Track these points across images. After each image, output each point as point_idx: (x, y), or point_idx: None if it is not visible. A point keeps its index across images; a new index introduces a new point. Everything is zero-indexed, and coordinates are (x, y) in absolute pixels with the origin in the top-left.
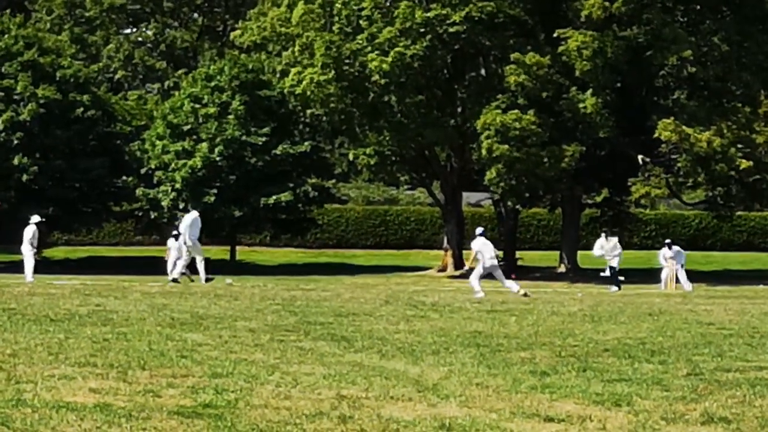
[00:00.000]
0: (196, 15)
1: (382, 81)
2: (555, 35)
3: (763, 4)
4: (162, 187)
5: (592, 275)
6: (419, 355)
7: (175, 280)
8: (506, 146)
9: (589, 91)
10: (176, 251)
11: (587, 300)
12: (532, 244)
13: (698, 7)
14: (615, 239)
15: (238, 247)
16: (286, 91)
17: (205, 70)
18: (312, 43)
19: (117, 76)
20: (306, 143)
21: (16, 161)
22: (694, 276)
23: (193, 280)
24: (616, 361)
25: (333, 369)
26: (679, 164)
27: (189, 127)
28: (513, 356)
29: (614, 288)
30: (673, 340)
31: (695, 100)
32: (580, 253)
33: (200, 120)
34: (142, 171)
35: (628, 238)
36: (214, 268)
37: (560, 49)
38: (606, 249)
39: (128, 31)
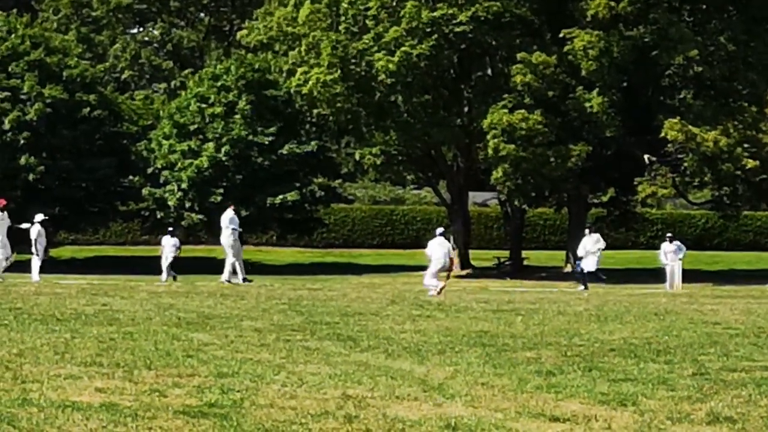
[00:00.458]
0: (202, 15)
1: (389, 81)
2: (561, 35)
3: None
4: (168, 187)
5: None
6: (425, 354)
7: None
8: (512, 146)
9: (596, 91)
10: (170, 248)
11: (593, 300)
12: (539, 243)
13: (704, 6)
14: (597, 235)
15: (244, 247)
16: (292, 90)
17: (212, 69)
18: (318, 43)
19: (124, 76)
20: (312, 143)
21: (22, 161)
22: (700, 276)
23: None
24: (622, 360)
25: (339, 368)
26: (685, 164)
27: (195, 126)
28: (519, 356)
29: (582, 287)
30: (678, 339)
31: (701, 100)
32: None
33: (207, 120)
34: (149, 171)
35: (635, 238)
36: (220, 267)
37: (566, 48)
38: (587, 244)
39: (135, 30)
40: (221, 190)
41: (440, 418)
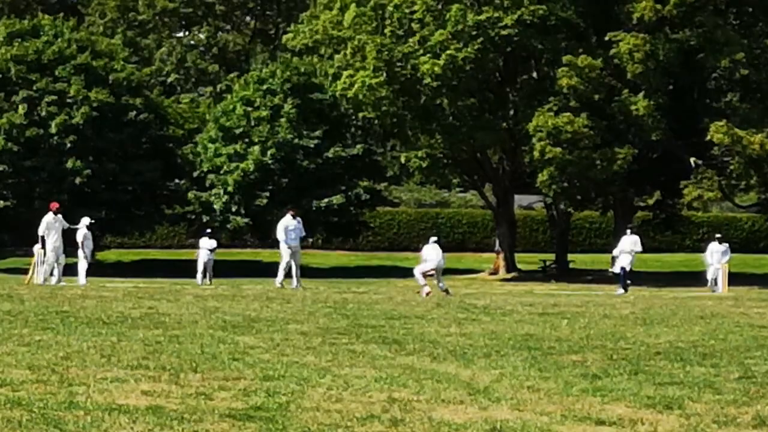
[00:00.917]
0: (248, 18)
1: (434, 84)
2: (607, 38)
3: None
4: (214, 191)
5: (645, 278)
6: (470, 358)
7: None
8: (558, 149)
9: (641, 94)
10: (207, 251)
11: (639, 303)
12: (584, 246)
13: (750, 9)
14: (636, 237)
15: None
16: (337, 94)
17: (257, 73)
18: (364, 46)
19: (169, 80)
20: (358, 146)
21: (69, 164)
22: (746, 278)
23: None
24: (668, 364)
25: (384, 372)
26: (731, 167)
27: (241, 130)
28: (564, 359)
29: (620, 290)
30: (725, 343)
31: (748, 103)
32: None
33: (252, 123)
34: (195, 174)
35: (680, 241)
36: (266, 270)
37: (612, 51)
38: (624, 245)
39: (181, 34)
40: (267, 194)
41: (485, 421)
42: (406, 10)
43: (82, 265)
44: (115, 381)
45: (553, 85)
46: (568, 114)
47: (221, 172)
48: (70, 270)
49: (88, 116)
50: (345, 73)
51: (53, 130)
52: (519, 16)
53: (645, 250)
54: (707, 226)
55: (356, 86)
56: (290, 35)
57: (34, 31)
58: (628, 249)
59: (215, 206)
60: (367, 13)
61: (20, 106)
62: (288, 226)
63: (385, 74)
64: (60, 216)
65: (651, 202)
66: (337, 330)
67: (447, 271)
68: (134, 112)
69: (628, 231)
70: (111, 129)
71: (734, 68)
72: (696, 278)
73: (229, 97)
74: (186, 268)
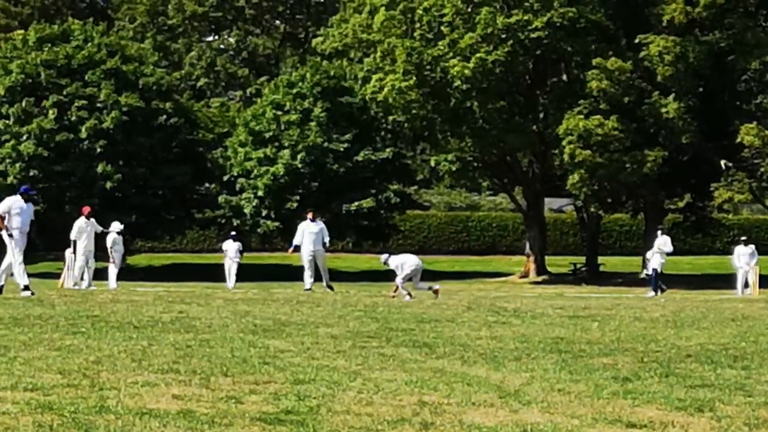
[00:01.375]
0: (278, 22)
1: (464, 87)
2: (636, 40)
3: None
4: (244, 195)
5: (675, 280)
6: (501, 361)
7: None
8: (588, 152)
9: (672, 96)
10: (234, 253)
11: (670, 305)
12: (615, 249)
13: None
14: (667, 237)
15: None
16: (367, 97)
17: (287, 77)
18: (393, 50)
19: (199, 84)
20: (388, 150)
21: (99, 169)
22: None
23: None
24: (699, 366)
25: (415, 375)
26: (762, 169)
27: (271, 134)
28: (595, 362)
29: (651, 293)
30: (756, 345)
31: None
32: None
33: (282, 127)
34: (225, 178)
35: (711, 243)
36: (296, 274)
37: (642, 54)
38: (657, 245)
39: (210, 38)
40: (297, 198)
41: (516, 424)
42: (436, 13)
43: (113, 270)
44: (146, 385)
45: (583, 87)
46: (598, 117)
47: (251, 176)
48: (100, 274)
49: (118, 121)
50: (375, 77)
51: (83, 134)
52: (549, 18)
53: (676, 253)
54: (738, 229)
55: (386, 89)
56: (320, 39)
57: (64, 36)
58: (658, 249)
59: (245, 210)
60: (397, 17)
61: (50, 111)
62: (306, 229)
63: (414, 77)
64: (92, 220)
65: (681, 204)
66: (367, 333)
67: (478, 275)
68: (164, 117)
69: (659, 232)
70: (141, 133)
71: (764, 70)
72: (727, 281)
73: (259, 101)
74: (216, 272)
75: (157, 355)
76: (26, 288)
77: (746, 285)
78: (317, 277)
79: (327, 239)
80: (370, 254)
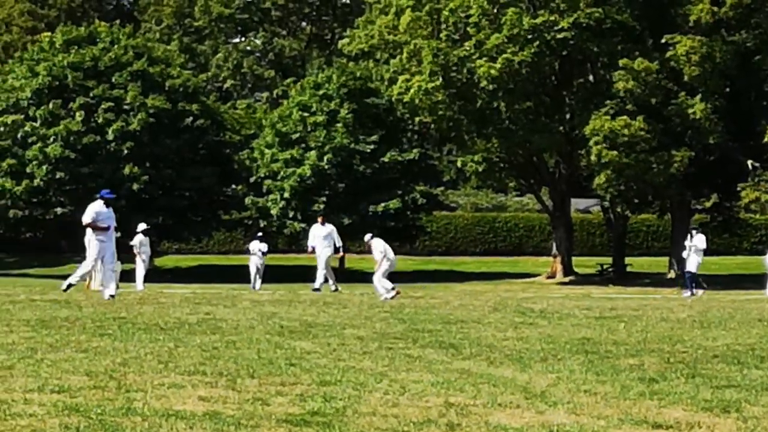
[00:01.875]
0: (304, 24)
1: (490, 87)
2: (663, 41)
3: None
4: (271, 196)
5: (702, 280)
6: (527, 362)
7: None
8: (615, 152)
9: (698, 97)
10: (260, 254)
11: (696, 306)
12: (642, 250)
13: None
14: (701, 236)
15: (347, 255)
16: (394, 98)
17: (314, 78)
18: (420, 51)
19: (226, 85)
20: (414, 151)
21: (126, 171)
22: None
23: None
24: (726, 367)
25: (441, 376)
26: None
27: (297, 135)
28: (621, 363)
29: (687, 293)
30: None
31: None
32: None
33: (309, 128)
34: (251, 180)
35: (738, 243)
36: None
37: (668, 54)
38: (692, 243)
39: (237, 40)
40: (323, 199)
41: (543, 425)
42: (462, 14)
43: (140, 272)
44: (173, 387)
45: (610, 88)
46: (624, 117)
47: (278, 177)
48: (128, 276)
49: (145, 123)
50: (401, 78)
51: (110, 136)
52: (575, 19)
53: (703, 253)
54: (765, 229)
55: (412, 90)
56: (346, 40)
57: (90, 38)
58: (694, 248)
59: (272, 212)
60: (423, 18)
61: (77, 113)
62: (317, 233)
63: (441, 78)
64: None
65: (708, 204)
66: (393, 335)
67: (504, 276)
68: (191, 118)
69: (694, 231)
70: (168, 135)
71: None
72: (754, 281)
73: (285, 102)
74: (243, 274)
75: (183, 357)
76: (69, 286)
77: None
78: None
79: (339, 243)
80: (397, 255)
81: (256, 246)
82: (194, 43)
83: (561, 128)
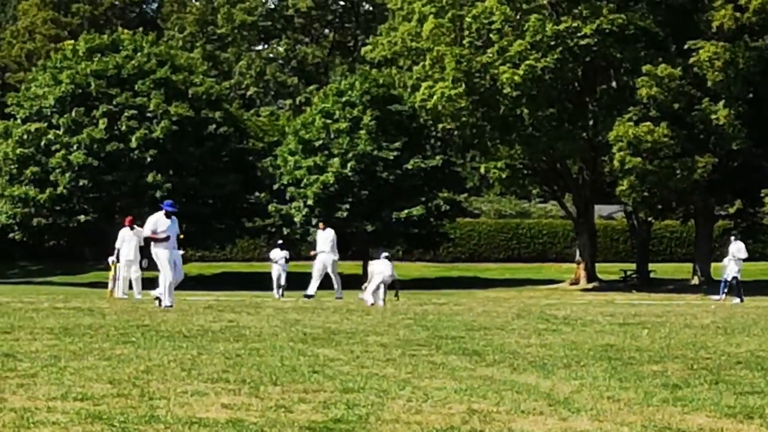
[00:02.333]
0: (327, 31)
1: (514, 93)
2: (686, 47)
3: None
4: (294, 203)
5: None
6: (550, 368)
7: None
8: (638, 158)
9: (722, 103)
10: (282, 263)
11: (720, 312)
12: (665, 256)
13: None
14: (741, 243)
15: (370, 262)
16: (417, 105)
17: (337, 85)
18: (442, 57)
19: (249, 93)
20: (437, 157)
21: (149, 178)
22: None
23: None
24: (749, 373)
25: (464, 383)
26: None
27: (321, 142)
28: (645, 369)
29: (737, 299)
30: None
31: None
32: (713, 265)
33: (332, 135)
34: (275, 187)
35: (762, 249)
36: (347, 282)
37: (691, 60)
38: (731, 251)
39: (260, 47)
40: (347, 206)
41: None
42: (485, 21)
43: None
44: (196, 394)
45: (633, 94)
46: (648, 123)
47: (301, 184)
48: (150, 284)
49: (168, 130)
50: (424, 85)
51: (133, 144)
52: (598, 25)
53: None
54: None
55: (435, 97)
56: (369, 47)
57: (113, 46)
58: (733, 256)
59: (295, 219)
60: (446, 25)
61: (100, 121)
62: (318, 238)
63: (464, 85)
64: (138, 230)
65: (732, 210)
66: (417, 341)
67: (528, 282)
68: (214, 126)
69: (732, 238)
70: (191, 143)
71: None
72: None
73: (308, 109)
74: (267, 281)
75: (206, 364)
76: (160, 301)
77: None
78: (330, 286)
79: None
80: (420, 262)
81: (278, 254)
82: (217, 51)
83: (584, 134)
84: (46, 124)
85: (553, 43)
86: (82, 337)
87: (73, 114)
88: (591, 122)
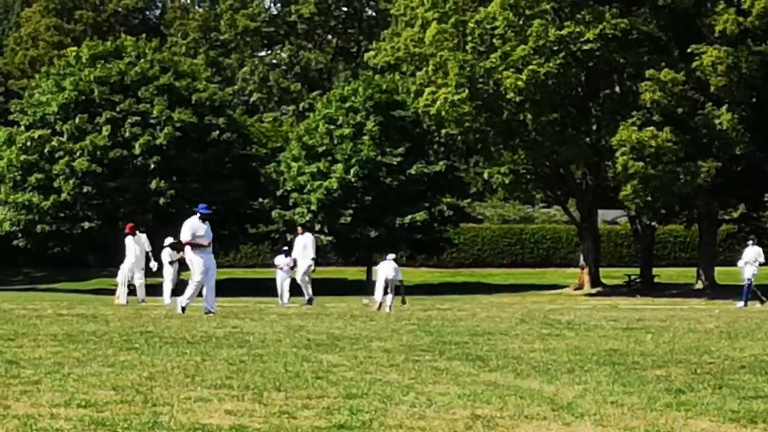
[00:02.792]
0: (330, 37)
1: (517, 99)
2: (689, 51)
3: None
4: (298, 209)
5: (730, 291)
6: (554, 373)
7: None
8: (642, 163)
9: (725, 107)
10: (287, 269)
11: (724, 317)
12: (669, 260)
13: None
14: (758, 248)
15: (373, 268)
16: (420, 111)
17: (340, 91)
18: (446, 63)
19: (252, 99)
20: (441, 163)
21: (153, 185)
22: None
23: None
24: (753, 377)
25: (468, 389)
26: None
27: (324, 148)
28: (648, 374)
29: (759, 304)
30: None
31: None
32: (717, 269)
33: (335, 141)
34: (278, 193)
35: (766, 254)
36: (350, 288)
37: (694, 64)
38: (746, 255)
39: (263, 53)
40: (350, 212)
41: None
42: (488, 26)
43: (167, 285)
44: (199, 401)
45: (636, 99)
46: (651, 128)
47: (305, 190)
48: (154, 290)
49: (172, 136)
50: (427, 90)
51: (137, 150)
52: (601, 30)
53: (729, 263)
54: None
55: (438, 103)
56: (372, 53)
57: (117, 52)
58: (751, 260)
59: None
60: (449, 30)
61: (104, 128)
62: (296, 243)
63: (467, 90)
64: (140, 237)
65: (735, 215)
66: (420, 347)
67: (532, 287)
68: (217, 132)
69: (750, 242)
70: (194, 149)
71: None
72: None
73: (311, 115)
74: (270, 287)
75: (210, 371)
76: (183, 310)
77: None
78: (299, 292)
79: (313, 254)
80: (424, 267)
81: (282, 260)
82: (220, 57)
83: (587, 139)
84: (49, 131)
85: (556, 48)
86: (85, 343)
87: (77, 121)
88: (594, 127)
